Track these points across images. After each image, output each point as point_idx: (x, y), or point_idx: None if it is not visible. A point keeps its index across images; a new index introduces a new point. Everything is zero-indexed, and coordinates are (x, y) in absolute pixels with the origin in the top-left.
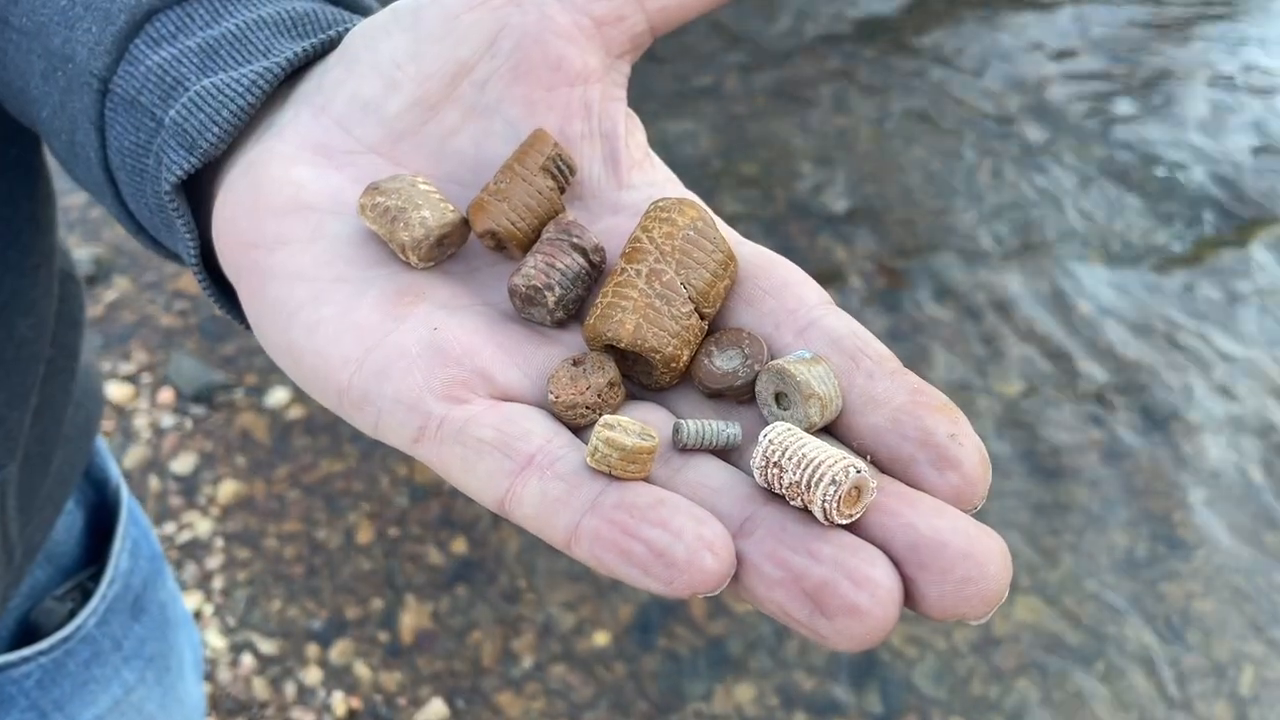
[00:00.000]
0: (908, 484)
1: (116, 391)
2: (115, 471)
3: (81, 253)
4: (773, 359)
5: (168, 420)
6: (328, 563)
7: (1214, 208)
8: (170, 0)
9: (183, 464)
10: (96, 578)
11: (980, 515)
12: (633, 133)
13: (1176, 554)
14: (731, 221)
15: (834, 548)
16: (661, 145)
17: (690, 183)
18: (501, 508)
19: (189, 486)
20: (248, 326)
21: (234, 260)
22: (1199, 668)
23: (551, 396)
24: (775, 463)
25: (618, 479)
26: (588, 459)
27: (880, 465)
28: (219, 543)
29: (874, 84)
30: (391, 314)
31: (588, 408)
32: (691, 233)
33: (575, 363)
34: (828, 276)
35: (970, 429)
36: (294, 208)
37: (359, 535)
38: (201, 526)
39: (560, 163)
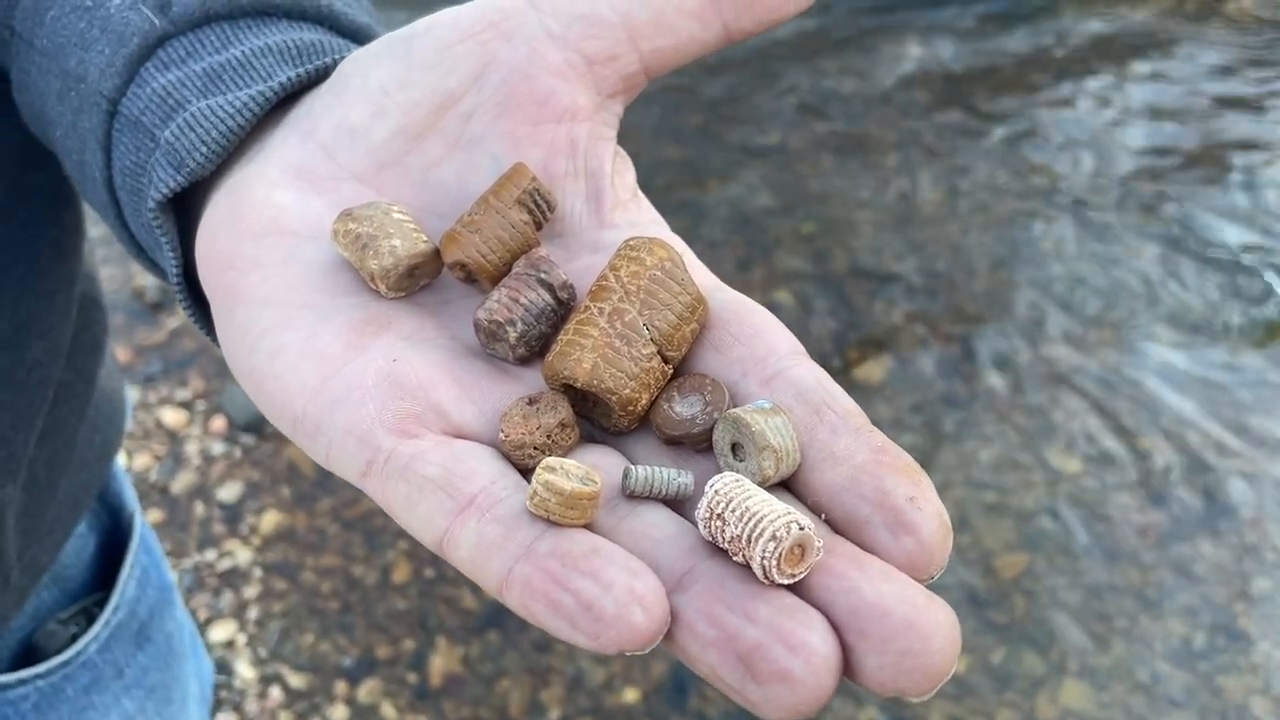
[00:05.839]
0: (862, 547)
1: (171, 416)
2: (131, 498)
3: (147, 279)
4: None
5: (218, 448)
6: (362, 599)
7: None
8: (183, 26)
9: (229, 492)
10: (103, 603)
11: (1031, 594)
12: (620, 173)
13: (1236, 646)
14: (788, 279)
15: (771, 609)
16: (723, 201)
17: (749, 239)
18: (440, 549)
19: (233, 514)
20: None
21: (210, 280)
22: None
23: (501, 435)
24: (719, 515)
25: (556, 525)
26: (527, 503)
27: (835, 525)
28: (257, 572)
29: (940, 148)
30: (353, 343)
31: (536, 448)
32: (659, 273)
33: (530, 401)
34: (884, 339)
35: (933, 493)
36: (271, 231)
37: (395, 574)
38: (242, 555)
39: (538, 197)
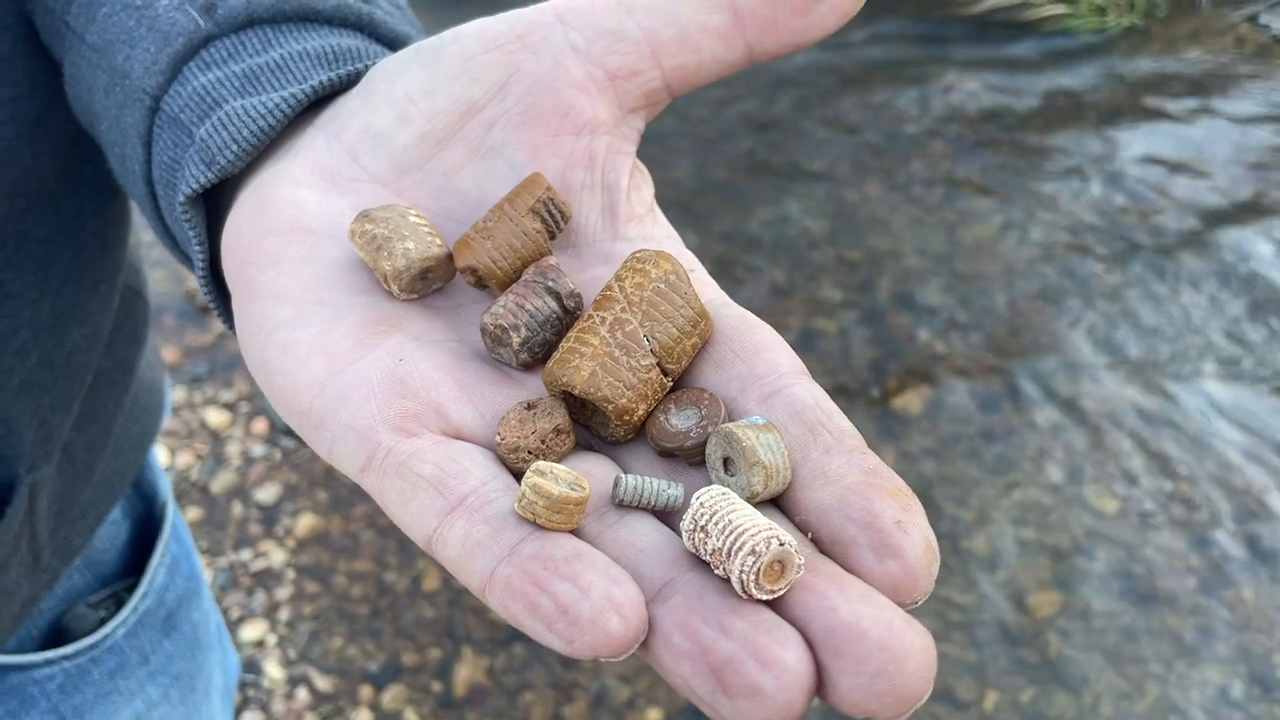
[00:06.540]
0: (847, 569)
1: (214, 417)
2: (166, 487)
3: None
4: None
5: (258, 449)
6: (392, 606)
7: None
8: (227, 28)
9: (267, 493)
10: (133, 589)
11: (1065, 634)
12: (638, 187)
13: (1274, 697)
14: (830, 306)
15: (747, 624)
16: (768, 226)
17: (792, 265)
18: (429, 547)
19: (269, 516)
20: None
21: (232, 274)
22: None
23: (498, 438)
24: (702, 527)
25: (542, 528)
26: (515, 505)
27: (821, 546)
28: (290, 574)
29: (990, 182)
30: (363, 342)
31: (530, 452)
32: (662, 285)
33: (529, 406)
34: (924, 370)
35: (922, 519)
36: (293, 229)
37: (426, 582)
38: (276, 556)
39: (552, 207)
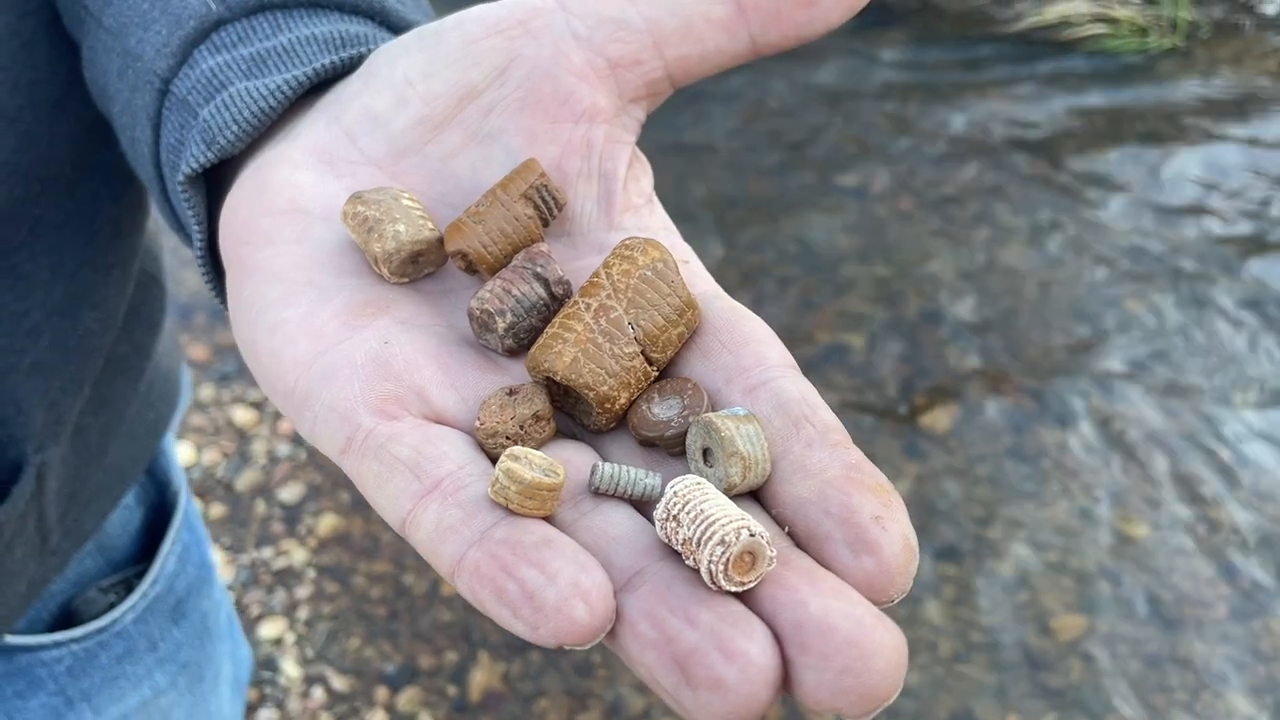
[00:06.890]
0: (823, 564)
1: (241, 416)
2: (179, 476)
3: None
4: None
5: (284, 449)
6: (410, 608)
7: None
8: (238, 13)
9: (290, 493)
10: (144, 575)
11: (1089, 659)
12: (637, 178)
13: None
14: (859, 321)
15: (713, 615)
16: (798, 239)
17: (822, 278)
18: (403, 530)
19: (292, 515)
20: None
21: (227, 253)
22: None
23: (477, 423)
24: (674, 516)
25: (515, 514)
26: (489, 490)
27: (798, 540)
28: (310, 574)
29: (1025, 201)
30: (350, 324)
31: (508, 437)
32: (649, 273)
33: (510, 392)
34: (953, 388)
35: (903, 515)
36: (288, 210)
37: (444, 585)
38: (297, 556)
39: (545, 193)
